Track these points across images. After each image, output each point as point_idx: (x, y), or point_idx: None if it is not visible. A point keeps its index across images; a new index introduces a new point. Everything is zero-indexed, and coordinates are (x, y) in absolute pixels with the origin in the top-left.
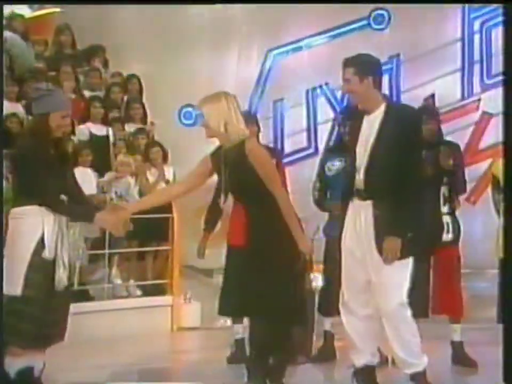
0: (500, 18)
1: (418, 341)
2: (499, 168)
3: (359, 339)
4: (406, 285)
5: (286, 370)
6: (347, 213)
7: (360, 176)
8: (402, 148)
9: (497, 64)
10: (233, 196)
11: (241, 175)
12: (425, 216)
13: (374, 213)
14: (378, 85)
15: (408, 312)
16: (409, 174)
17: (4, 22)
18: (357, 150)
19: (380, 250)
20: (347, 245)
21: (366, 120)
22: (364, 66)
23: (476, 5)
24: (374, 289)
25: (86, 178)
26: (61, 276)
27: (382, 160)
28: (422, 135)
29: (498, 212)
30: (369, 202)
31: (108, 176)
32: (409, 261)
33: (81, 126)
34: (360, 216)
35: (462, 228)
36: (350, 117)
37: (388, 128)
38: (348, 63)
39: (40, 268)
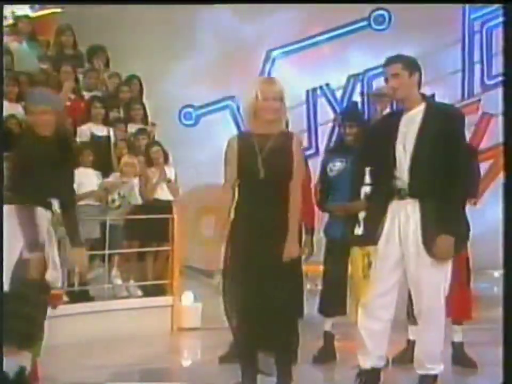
0: (500, 19)
1: (441, 347)
2: None
3: (371, 342)
4: (445, 285)
5: (291, 369)
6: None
7: (401, 175)
8: (448, 147)
9: (498, 64)
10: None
11: (281, 160)
12: None
13: (421, 212)
14: (420, 83)
15: (444, 315)
16: (455, 173)
17: (10, 22)
18: (396, 147)
19: (429, 250)
20: (381, 246)
21: (405, 118)
22: (411, 62)
23: (476, 5)
24: (413, 289)
25: (88, 179)
26: (53, 275)
27: (425, 159)
28: (465, 133)
29: None
30: (408, 201)
31: (113, 177)
32: (450, 261)
33: (82, 127)
34: (399, 217)
35: (471, 228)
36: (351, 118)
37: (431, 127)
38: (393, 59)
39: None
